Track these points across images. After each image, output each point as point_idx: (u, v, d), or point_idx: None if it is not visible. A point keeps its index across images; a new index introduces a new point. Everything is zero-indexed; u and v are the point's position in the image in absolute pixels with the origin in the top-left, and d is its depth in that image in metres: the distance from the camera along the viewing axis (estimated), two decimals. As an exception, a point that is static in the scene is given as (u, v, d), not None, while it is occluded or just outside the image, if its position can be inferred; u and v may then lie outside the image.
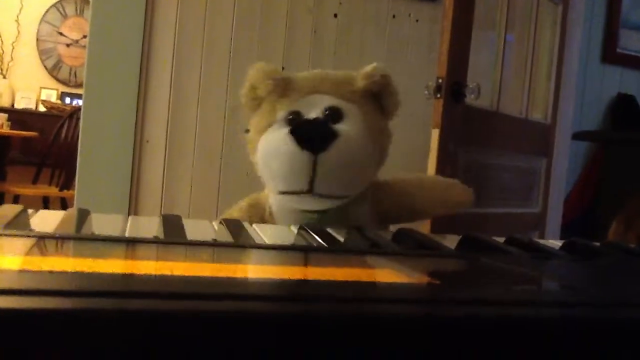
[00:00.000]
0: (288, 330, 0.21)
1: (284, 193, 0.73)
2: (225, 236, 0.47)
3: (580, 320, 0.25)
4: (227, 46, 1.78)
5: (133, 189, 1.72)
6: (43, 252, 0.34)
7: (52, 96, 5.19)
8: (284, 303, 0.24)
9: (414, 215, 0.86)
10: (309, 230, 0.52)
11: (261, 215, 0.81)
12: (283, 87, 0.77)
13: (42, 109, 5.03)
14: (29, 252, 0.33)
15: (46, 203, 3.49)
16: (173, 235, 0.43)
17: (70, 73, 5.30)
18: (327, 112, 0.74)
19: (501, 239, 0.54)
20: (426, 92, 1.62)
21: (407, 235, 0.52)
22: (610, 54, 2.70)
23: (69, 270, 0.27)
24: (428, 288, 0.30)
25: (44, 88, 5.21)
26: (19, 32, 5.12)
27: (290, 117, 0.75)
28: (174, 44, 1.74)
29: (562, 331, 0.24)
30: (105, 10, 1.68)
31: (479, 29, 1.72)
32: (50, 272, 0.26)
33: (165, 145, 1.75)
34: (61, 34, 5.27)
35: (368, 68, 0.78)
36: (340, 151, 0.69)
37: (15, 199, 3.27)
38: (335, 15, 1.88)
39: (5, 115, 4.26)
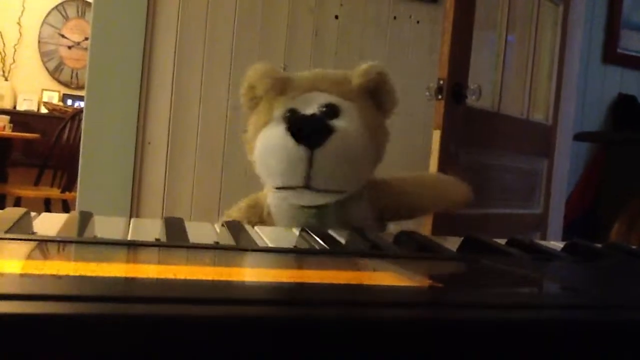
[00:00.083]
0: (291, 334, 0.21)
1: (280, 189, 0.74)
2: (228, 239, 0.47)
3: (582, 322, 0.25)
4: (228, 47, 1.78)
5: (135, 191, 1.72)
6: (46, 256, 0.34)
7: (53, 98, 5.20)
8: (287, 307, 0.24)
9: (412, 212, 0.87)
10: (310, 233, 0.52)
11: (260, 216, 0.82)
12: (281, 86, 0.78)
13: (44, 110, 5.04)
14: (32, 256, 0.33)
15: (48, 205, 3.49)
16: (175, 239, 0.43)
17: (72, 75, 5.31)
18: (323, 109, 0.75)
19: (502, 240, 0.54)
20: (427, 93, 1.62)
21: (408, 238, 0.52)
22: (611, 55, 2.70)
23: (72, 274, 0.27)
24: (430, 291, 0.31)
25: (46, 90, 5.22)
26: (20, 34, 5.13)
27: (287, 114, 0.75)
28: (176, 45, 1.74)
29: (564, 333, 0.24)
30: (107, 12, 1.68)
31: (479, 30, 1.72)
32: (54, 276, 0.26)
33: (167, 146, 1.75)
34: (63, 36, 5.28)
35: (364, 66, 0.79)
36: (336, 146, 0.70)
37: (17, 201, 3.27)
38: (337, 17, 1.88)
39: (8, 117, 4.27)
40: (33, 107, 5.10)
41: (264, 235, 0.58)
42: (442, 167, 1.57)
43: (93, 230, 0.48)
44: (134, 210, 1.72)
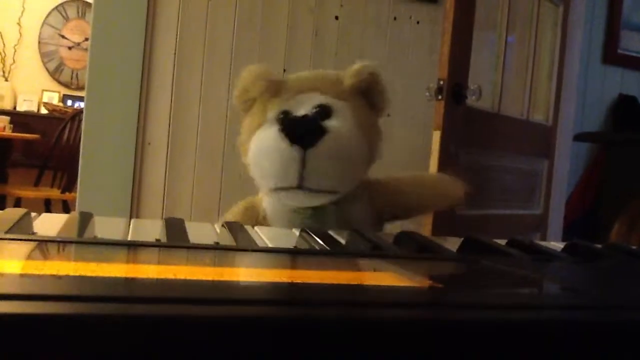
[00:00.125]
0: (292, 334, 0.21)
1: (274, 190, 0.74)
2: (228, 239, 0.47)
3: (582, 323, 0.26)
4: (228, 48, 1.78)
5: (135, 191, 1.72)
6: (46, 256, 0.34)
7: (54, 99, 5.20)
8: (287, 307, 0.24)
9: (409, 212, 0.87)
10: (310, 233, 0.52)
11: (255, 219, 0.82)
12: (275, 88, 0.78)
13: (44, 111, 5.04)
14: (32, 256, 0.33)
15: (48, 205, 3.49)
16: (175, 239, 0.43)
17: (72, 76, 5.31)
18: (316, 110, 0.75)
19: (503, 241, 0.54)
20: (427, 93, 1.62)
21: (408, 238, 0.52)
22: (611, 55, 2.70)
23: (72, 274, 0.27)
24: (430, 291, 0.31)
25: (46, 91, 5.22)
26: (20, 34, 5.13)
27: (281, 116, 0.76)
28: (176, 46, 1.74)
29: (564, 334, 0.24)
30: (107, 12, 1.68)
31: (479, 30, 1.72)
32: (54, 276, 0.26)
33: (167, 147, 1.75)
34: (63, 36, 5.28)
35: (356, 66, 0.79)
36: (329, 146, 0.70)
37: (17, 202, 3.27)
38: (337, 17, 1.88)
39: (8, 118, 4.28)
40: (33, 108, 5.11)
41: (264, 236, 0.58)
42: (442, 167, 1.57)
43: (93, 231, 0.48)
44: (134, 211, 1.72)
